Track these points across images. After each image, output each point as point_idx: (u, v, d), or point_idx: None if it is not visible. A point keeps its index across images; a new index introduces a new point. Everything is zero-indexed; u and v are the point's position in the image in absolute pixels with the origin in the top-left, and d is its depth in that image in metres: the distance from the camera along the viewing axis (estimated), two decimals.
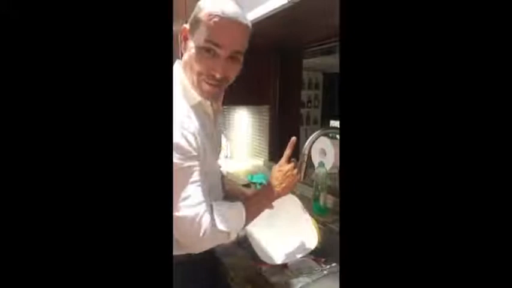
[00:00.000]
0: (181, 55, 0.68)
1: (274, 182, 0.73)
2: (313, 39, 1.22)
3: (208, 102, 0.69)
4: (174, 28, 0.54)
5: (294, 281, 0.73)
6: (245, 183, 1.41)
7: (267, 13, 0.81)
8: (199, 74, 0.63)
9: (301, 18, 0.86)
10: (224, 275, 0.76)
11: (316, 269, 0.78)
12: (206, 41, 0.60)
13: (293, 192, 1.30)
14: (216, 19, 0.59)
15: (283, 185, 0.73)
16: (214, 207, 0.64)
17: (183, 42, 0.67)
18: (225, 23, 0.60)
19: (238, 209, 0.67)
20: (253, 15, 0.85)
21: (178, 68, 0.67)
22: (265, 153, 1.60)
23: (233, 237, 0.66)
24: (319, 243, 0.83)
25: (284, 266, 0.78)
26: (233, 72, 0.66)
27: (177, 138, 0.58)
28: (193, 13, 0.62)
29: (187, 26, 0.65)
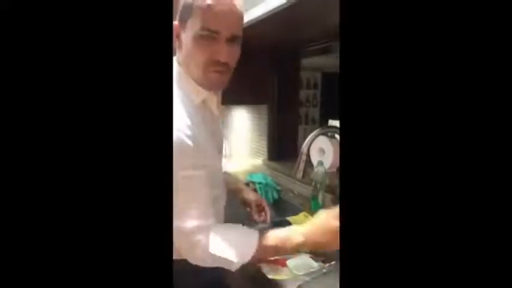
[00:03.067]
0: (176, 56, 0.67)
1: (327, 229, 0.60)
2: (311, 39, 1.22)
3: (215, 99, 0.68)
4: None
5: (293, 279, 0.73)
6: (244, 182, 1.41)
7: (265, 13, 0.81)
8: (204, 64, 0.62)
9: (300, 18, 0.86)
10: (224, 274, 0.77)
11: (315, 267, 0.79)
12: (202, 28, 0.58)
13: (292, 191, 1.31)
14: (208, 2, 0.57)
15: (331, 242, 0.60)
16: (220, 230, 0.61)
17: (177, 42, 0.65)
18: (217, 7, 0.58)
19: (250, 239, 0.61)
20: (251, 15, 0.85)
21: (174, 70, 0.66)
22: (264, 153, 1.60)
23: (237, 266, 0.60)
24: None
25: (283, 264, 0.78)
26: (234, 56, 0.64)
27: (185, 145, 0.56)
28: (181, 4, 0.61)
29: (176, 22, 0.63)
